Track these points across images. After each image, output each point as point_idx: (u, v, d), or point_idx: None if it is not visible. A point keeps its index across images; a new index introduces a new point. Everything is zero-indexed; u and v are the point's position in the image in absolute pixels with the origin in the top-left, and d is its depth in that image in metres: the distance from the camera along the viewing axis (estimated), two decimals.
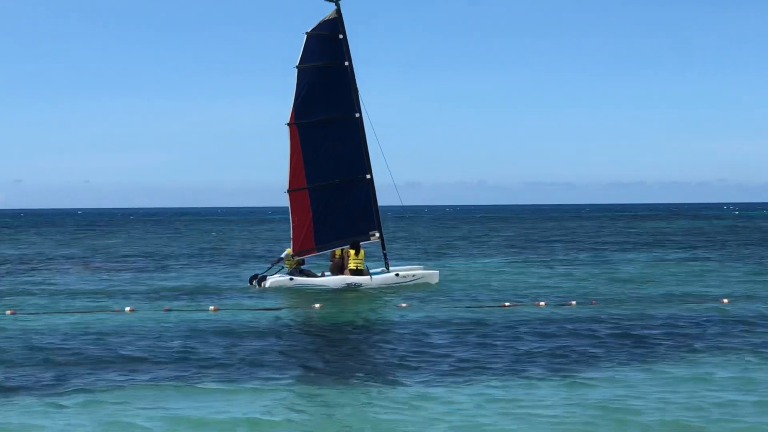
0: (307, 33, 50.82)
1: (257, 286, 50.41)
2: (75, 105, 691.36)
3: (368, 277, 50.34)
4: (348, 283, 49.77)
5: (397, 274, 51.51)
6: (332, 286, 49.71)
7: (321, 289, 49.34)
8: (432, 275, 52.46)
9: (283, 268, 51.93)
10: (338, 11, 51.22)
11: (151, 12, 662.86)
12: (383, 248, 52.38)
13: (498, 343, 32.54)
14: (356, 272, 50.14)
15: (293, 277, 50.31)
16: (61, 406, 22.63)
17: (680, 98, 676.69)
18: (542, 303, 43.68)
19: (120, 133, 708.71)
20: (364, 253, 51.35)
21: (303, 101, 50.47)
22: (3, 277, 64.02)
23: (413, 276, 51.77)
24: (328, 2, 51.47)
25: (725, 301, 43.58)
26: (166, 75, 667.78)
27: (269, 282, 49.90)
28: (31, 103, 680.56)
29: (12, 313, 41.37)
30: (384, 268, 51.88)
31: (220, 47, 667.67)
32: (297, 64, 50.58)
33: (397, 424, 20.78)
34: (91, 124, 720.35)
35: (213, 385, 25.29)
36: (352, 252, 50.45)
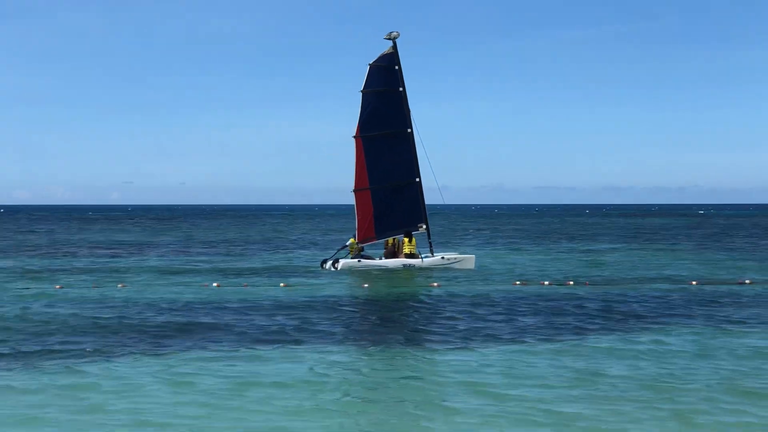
0: (370, 64, 51.65)
1: (332, 268, 50.63)
2: (175, 119, 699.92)
3: (420, 259, 50.99)
4: (404, 265, 50.45)
5: (443, 257, 52.01)
6: (392, 266, 50.41)
7: (382, 269, 50.06)
8: (469, 259, 52.78)
9: (348, 254, 52.41)
10: (395, 47, 52.08)
11: (237, 43, 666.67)
12: (429, 237, 52.75)
13: (505, 314, 32.82)
14: (410, 256, 50.94)
15: (361, 260, 50.88)
16: (144, 366, 22.97)
17: (663, 118, 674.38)
18: (546, 282, 44.09)
19: (211, 143, 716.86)
20: (415, 241, 52.03)
21: (366, 119, 51.19)
22: (115, 258, 64.84)
23: (455, 259, 52.23)
24: (386, 40, 52.30)
25: (693, 283, 43.71)
26: (249, 96, 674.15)
27: (341, 264, 50.38)
28: (139, 117, 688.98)
29: (122, 286, 42.06)
30: (429, 253, 52.14)
31: (294, 74, 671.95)
32: (362, 89, 51.38)
33: (414, 380, 21.10)
34: (188, 136, 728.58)
35: (276, 349, 25.53)
36: (407, 240, 51.37)
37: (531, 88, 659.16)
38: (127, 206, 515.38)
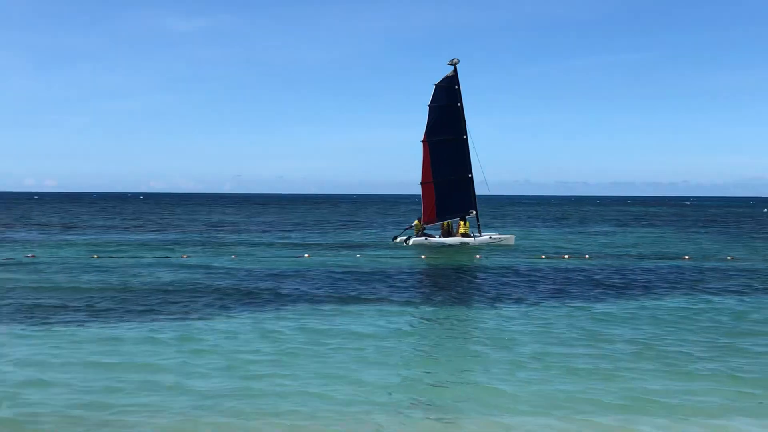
0: (435, 84, 51.79)
1: (404, 243, 50.85)
2: (276, 126, 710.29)
3: (473, 238, 50.99)
4: (461, 242, 50.34)
5: (490, 237, 52.01)
6: (451, 243, 50.25)
7: (444, 246, 49.82)
8: (511, 238, 52.74)
9: (413, 232, 52.57)
10: (455, 71, 52.08)
11: (325, 68, 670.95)
12: (478, 220, 52.62)
13: (531, 282, 32.67)
14: (465, 235, 50.99)
15: (428, 237, 51.01)
16: (242, 320, 22.98)
17: (659, 127, 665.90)
18: (566, 256, 43.88)
19: (304, 144, 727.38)
20: (469, 224, 51.93)
21: (432, 127, 51.41)
22: (227, 234, 65.17)
23: (499, 238, 52.19)
24: (449, 65, 52.29)
25: (686, 258, 43.43)
26: (334, 108, 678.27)
27: (412, 241, 50.67)
28: (250, 125, 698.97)
29: (234, 258, 42.24)
30: (477, 233, 52.05)
31: (373, 91, 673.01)
32: (429, 103, 51.57)
33: (455, 334, 21.27)
34: (286, 139, 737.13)
35: (349, 307, 25.57)
36: (462, 222, 51.45)
37: (552, 103, 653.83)
38: (237, 195, 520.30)
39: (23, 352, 18.41)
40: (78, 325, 21.92)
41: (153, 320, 22.93)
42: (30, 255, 41.88)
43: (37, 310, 24.36)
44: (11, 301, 26.23)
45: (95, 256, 42.13)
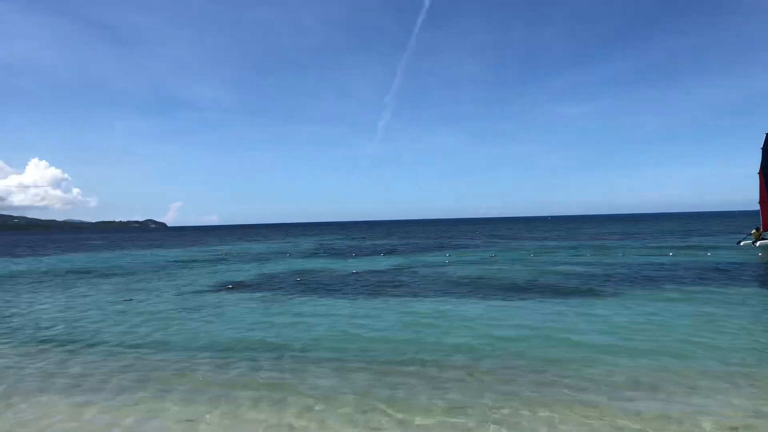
0: (766, 133, 50.40)
1: (752, 245, 49.43)
2: (624, 168, 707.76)
3: None
4: None
5: None
6: None
7: None
8: None
9: (752, 239, 51.73)
10: None
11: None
12: None
13: None
14: None
15: None
16: (609, 301, 22.12)
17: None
18: None
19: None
20: None
21: (765, 163, 50.74)
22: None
23: None
24: None
25: None
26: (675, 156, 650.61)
27: (758, 243, 49.28)
28: (614, 167, 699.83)
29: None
30: None
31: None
32: (761, 147, 50.61)
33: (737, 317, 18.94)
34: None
35: (675, 291, 23.58)
36: None
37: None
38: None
39: (496, 322, 18.91)
40: (521, 301, 22.78)
41: (559, 298, 23.34)
42: (491, 256, 46.66)
43: (504, 292, 25.26)
44: (480, 286, 27.71)
45: (532, 255, 46.75)
